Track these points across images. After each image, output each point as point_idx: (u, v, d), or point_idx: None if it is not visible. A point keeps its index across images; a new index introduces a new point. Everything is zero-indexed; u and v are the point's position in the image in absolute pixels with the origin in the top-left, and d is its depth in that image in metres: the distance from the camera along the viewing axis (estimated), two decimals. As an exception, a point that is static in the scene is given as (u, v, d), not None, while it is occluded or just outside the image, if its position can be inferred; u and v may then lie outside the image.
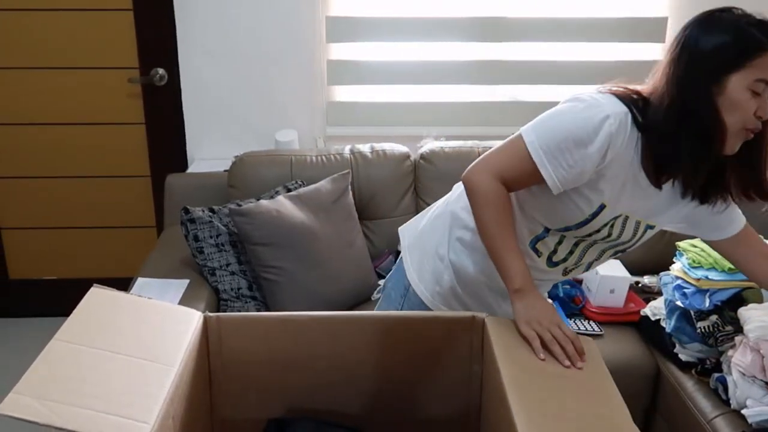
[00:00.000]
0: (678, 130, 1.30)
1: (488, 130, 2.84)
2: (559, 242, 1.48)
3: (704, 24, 1.32)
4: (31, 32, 2.83)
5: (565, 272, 1.55)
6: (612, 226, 1.41)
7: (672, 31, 2.84)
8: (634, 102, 1.35)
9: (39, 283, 3.17)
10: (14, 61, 2.87)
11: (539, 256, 1.50)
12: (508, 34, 2.82)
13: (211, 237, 2.27)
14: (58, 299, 3.12)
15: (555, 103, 2.67)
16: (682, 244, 2.11)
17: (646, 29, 2.83)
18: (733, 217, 1.49)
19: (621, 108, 1.33)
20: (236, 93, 2.88)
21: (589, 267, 1.56)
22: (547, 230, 1.47)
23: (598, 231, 1.43)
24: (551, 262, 1.51)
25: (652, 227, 1.48)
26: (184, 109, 2.92)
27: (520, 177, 1.39)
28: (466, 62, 2.85)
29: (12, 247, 3.12)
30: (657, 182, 1.36)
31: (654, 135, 1.33)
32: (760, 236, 1.54)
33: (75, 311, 1.33)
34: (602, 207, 1.38)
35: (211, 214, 2.31)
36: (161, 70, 2.88)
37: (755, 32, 1.27)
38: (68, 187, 3.04)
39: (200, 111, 2.92)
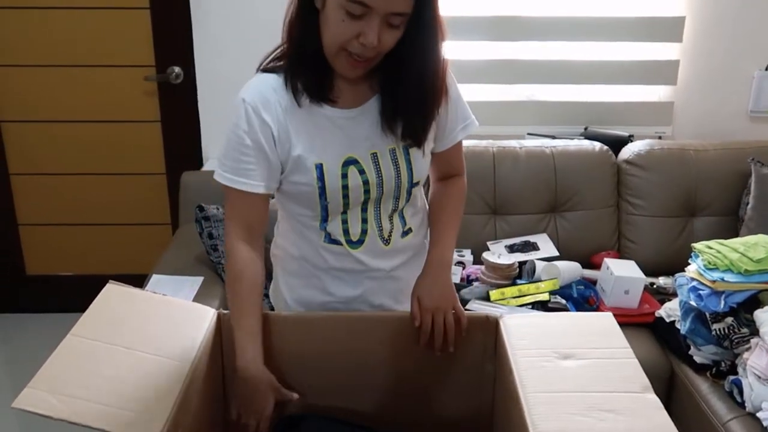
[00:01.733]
0: (293, 48, 1.32)
1: (504, 130, 2.83)
2: (344, 222, 1.41)
3: None
4: (49, 30, 2.85)
5: (385, 242, 1.45)
6: (347, 177, 1.36)
7: (690, 31, 2.82)
8: (277, 60, 1.37)
9: (55, 279, 3.20)
10: (32, 59, 2.89)
11: (339, 244, 1.43)
12: (525, 33, 2.81)
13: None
14: (74, 295, 3.15)
15: (570, 102, 2.67)
16: (697, 245, 2.10)
17: (664, 28, 2.81)
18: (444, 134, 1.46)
19: (255, 80, 1.38)
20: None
21: (405, 230, 1.48)
22: (324, 219, 1.41)
23: (349, 191, 1.37)
24: (353, 243, 1.43)
25: (394, 150, 1.39)
26: (199, 107, 2.93)
27: (243, 208, 1.38)
28: (482, 61, 2.84)
29: (29, 243, 3.16)
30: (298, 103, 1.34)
31: (289, 64, 1.34)
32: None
33: (90, 307, 1.34)
34: (320, 166, 1.34)
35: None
36: (177, 68, 2.89)
37: None
38: (84, 183, 3.07)
39: (216, 109, 2.93)
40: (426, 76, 1.31)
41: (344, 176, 1.36)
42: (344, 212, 1.40)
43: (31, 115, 2.97)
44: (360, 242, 1.43)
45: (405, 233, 1.48)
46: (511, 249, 2.45)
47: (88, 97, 2.95)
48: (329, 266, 1.45)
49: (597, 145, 2.64)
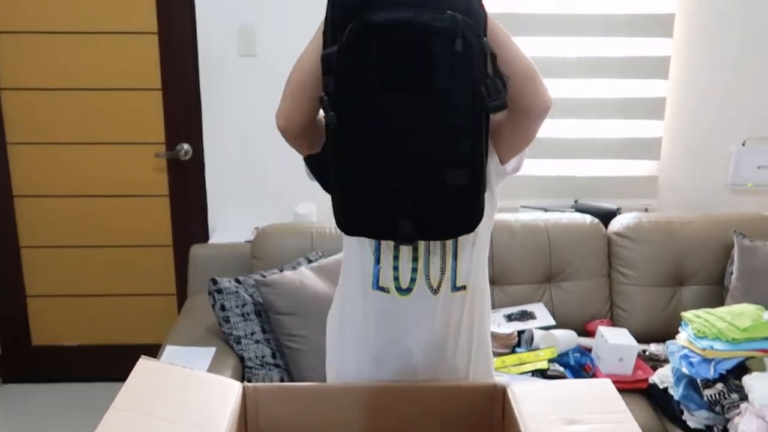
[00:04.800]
0: None
1: (499, 203, 2.95)
2: (395, 269, 1.43)
3: None
4: (63, 109, 2.99)
5: (434, 291, 1.44)
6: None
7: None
8: None
9: (61, 349, 3.26)
10: (45, 136, 3.03)
11: (388, 292, 1.45)
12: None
13: (237, 306, 2.37)
14: (80, 365, 3.24)
15: (561, 177, 2.82)
16: (686, 314, 2.22)
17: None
18: None
19: None
20: (257, 167, 3.02)
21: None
22: (377, 260, 1.42)
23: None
24: (403, 291, 1.45)
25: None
26: (207, 182, 3.06)
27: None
28: None
29: (36, 313, 3.22)
30: None
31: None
32: None
33: (127, 382, 1.42)
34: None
35: (237, 284, 2.42)
36: (186, 145, 3.03)
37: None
38: (93, 255, 3.16)
39: (222, 184, 3.06)
40: None
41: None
42: (396, 267, 1.44)
43: (43, 190, 3.08)
44: (408, 290, 1.45)
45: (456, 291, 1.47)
46: (510, 318, 2.56)
47: (99, 174, 3.07)
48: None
49: (588, 218, 2.78)
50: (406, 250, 1.42)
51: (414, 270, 1.43)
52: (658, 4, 2.90)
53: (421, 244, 1.42)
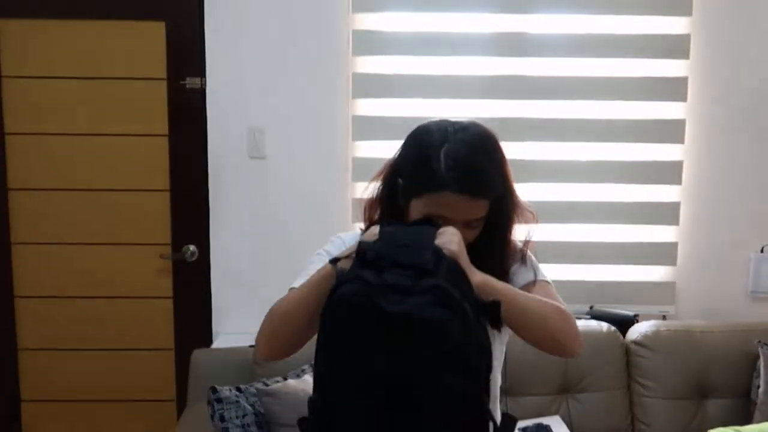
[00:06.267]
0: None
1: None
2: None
3: (408, 142, 1.39)
4: (73, 209, 2.98)
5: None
6: None
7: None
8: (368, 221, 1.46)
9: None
10: (55, 236, 3.00)
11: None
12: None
13: (237, 417, 2.25)
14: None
15: (575, 282, 2.73)
16: (714, 432, 2.09)
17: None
18: None
19: (359, 231, 1.45)
20: (263, 270, 2.97)
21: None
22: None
23: None
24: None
25: None
26: (212, 284, 3.00)
27: None
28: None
29: (31, 420, 3.09)
30: None
31: None
32: None
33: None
34: None
35: (237, 393, 2.32)
36: (192, 247, 2.98)
37: (438, 168, 1.29)
38: (92, 359, 3.07)
39: (227, 286, 3.00)
40: (490, 260, 1.37)
41: None
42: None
43: (44, 290, 3.02)
44: None
45: None
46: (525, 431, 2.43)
47: (104, 275, 3.02)
48: None
49: (605, 326, 2.68)
50: None
51: None
52: (671, 110, 2.90)
53: None
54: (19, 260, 3.00)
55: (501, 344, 1.50)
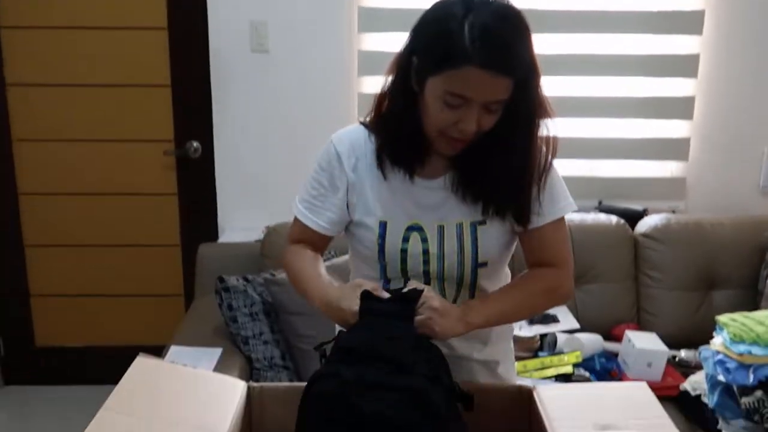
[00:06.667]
0: (381, 122, 1.36)
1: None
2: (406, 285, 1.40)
3: (425, 16, 1.27)
4: (72, 106, 2.92)
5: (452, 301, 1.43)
6: (408, 241, 1.36)
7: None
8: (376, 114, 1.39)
9: (65, 351, 3.17)
10: (53, 133, 2.95)
11: None
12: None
13: (245, 306, 2.27)
14: (84, 367, 3.14)
15: (584, 178, 2.67)
16: (722, 318, 2.09)
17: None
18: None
19: (352, 127, 1.42)
20: (268, 165, 2.93)
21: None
22: (387, 281, 1.43)
23: (408, 256, 1.37)
24: None
25: (461, 225, 1.37)
26: (216, 180, 2.97)
27: (305, 238, 1.47)
28: None
29: (39, 314, 3.14)
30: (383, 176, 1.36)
31: (377, 129, 1.37)
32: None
33: (122, 380, 1.32)
34: (383, 224, 1.37)
35: (245, 283, 2.32)
36: (196, 143, 2.94)
37: (461, 40, 1.17)
38: (99, 255, 3.08)
39: (232, 182, 2.97)
40: (513, 157, 1.29)
41: (405, 240, 1.37)
42: (406, 283, 1.39)
43: (48, 188, 3.00)
44: None
45: None
46: (531, 321, 2.44)
47: (107, 171, 2.99)
48: None
49: (614, 219, 2.66)
50: (417, 282, 1.36)
51: None
52: (687, 0, 2.79)
53: (433, 278, 1.40)
54: (21, 157, 2.97)
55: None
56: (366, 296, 1.24)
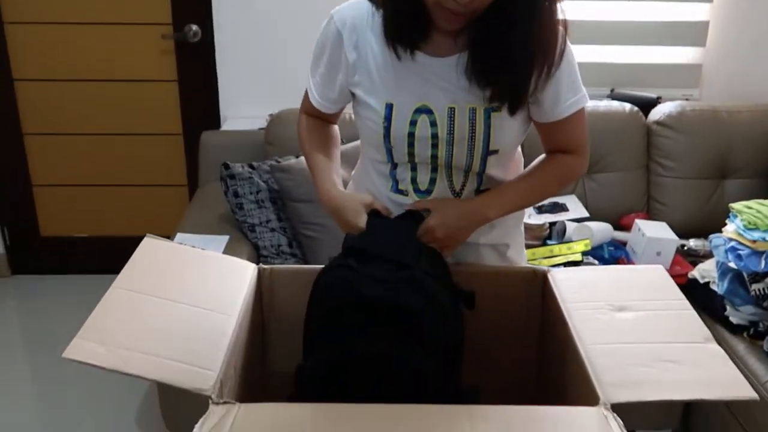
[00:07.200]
0: None
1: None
2: (413, 169, 1.37)
3: None
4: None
5: (456, 194, 1.39)
6: (415, 124, 1.30)
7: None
8: None
9: (69, 241, 3.16)
10: (47, 16, 2.83)
11: (406, 195, 1.39)
12: None
13: (251, 193, 2.23)
14: (88, 256, 3.14)
15: (596, 64, 2.56)
16: (735, 205, 2.06)
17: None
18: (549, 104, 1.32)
19: (354, 1, 1.35)
20: (271, 50, 2.83)
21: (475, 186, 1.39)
22: (393, 166, 1.39)
23: (415, 140, 1.32)
24: (421, 193, 1.39)
25: (474, 110, 1.29)
26: (217, 66, 2.87)
27: (314, 112, 1.47)
28: None
29: (43, 204, 3.11)
30: (395, 53, 1.28)
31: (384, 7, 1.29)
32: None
33: (131, 260, 1.30)
34: (389, 106, 1.31)
35: (250, 170, 2.28)
36: (195, 27, 2.82)
37: None
38: (100, 143, 3.02)
39: (234, 68, 2.87)
40: (526, 36, 1.20)
41: (413, 123, 1.30)
42: (413, 168, 1.36)
43: (44, 74, 2.91)
44: (428, 192, 1.38)
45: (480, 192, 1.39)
46: (540, 210, 2.41)
47: (103, 56, 2.88)
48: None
49: (627, 106, 2.58)
50: (424, 167, 1.36)
51: (432, 181, 1.38)
52: None
53: (441, 165, 1.36)
54: (14, 41, 2.85)
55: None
56: (374, 213, 1.30)
